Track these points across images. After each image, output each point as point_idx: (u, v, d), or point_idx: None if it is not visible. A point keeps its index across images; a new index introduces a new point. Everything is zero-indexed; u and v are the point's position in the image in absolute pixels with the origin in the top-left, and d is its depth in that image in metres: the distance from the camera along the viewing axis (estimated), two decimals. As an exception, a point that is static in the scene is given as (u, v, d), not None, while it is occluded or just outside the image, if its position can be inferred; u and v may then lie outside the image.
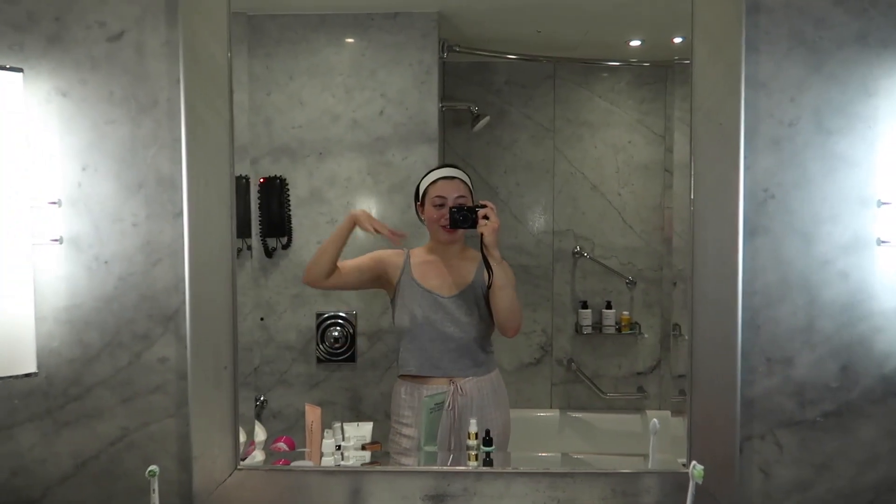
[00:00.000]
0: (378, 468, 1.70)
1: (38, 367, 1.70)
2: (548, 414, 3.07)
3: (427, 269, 1.96)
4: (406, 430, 1.91)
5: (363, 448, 1.76)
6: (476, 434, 1.74)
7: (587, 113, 2.98)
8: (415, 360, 1.92)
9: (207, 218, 1.64)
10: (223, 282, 1.66)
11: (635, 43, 2.79)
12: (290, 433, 2.41)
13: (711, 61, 1.62)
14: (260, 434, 1.87)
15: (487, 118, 2.77)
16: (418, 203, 1.98)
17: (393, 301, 1.97)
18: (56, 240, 1.69)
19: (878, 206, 1.63)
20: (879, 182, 1.63)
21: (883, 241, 1.62)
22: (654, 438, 1.73)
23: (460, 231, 1.92)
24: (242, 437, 1.83)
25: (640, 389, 3.00)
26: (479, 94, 2.98)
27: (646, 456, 1.77)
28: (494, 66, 2.99)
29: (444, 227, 1.91)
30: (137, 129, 1.70)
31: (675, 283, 2.60)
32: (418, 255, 2.00)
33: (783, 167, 1.64)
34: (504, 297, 1.88)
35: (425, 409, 1.80)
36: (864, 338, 1.65)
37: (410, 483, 1.66)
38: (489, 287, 1.84)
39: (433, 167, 2.00)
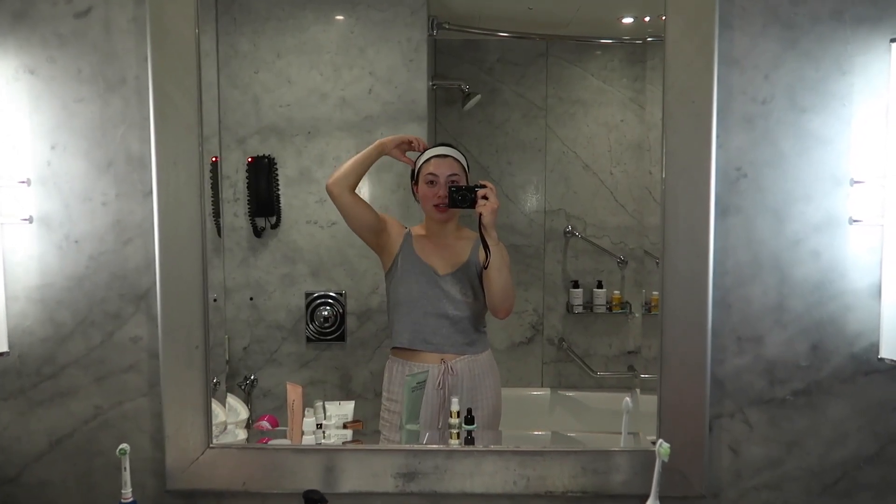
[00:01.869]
0: (349, 447, 1.70)
1: (11, 346, 1.70)
2: (539, 392, 3.06)
3: (425, 245, 1.96)
4: (395, 407, 1.91)
5: (344, 427, 1.76)
6: (458, 413, 1.73)
7: (580, 91, 2.94)
8: (407, 333, 1.92)
9: (177, 197, 1.64)
10: (194, 261, 1.65)
11: (628, 20, 2.75)
12: (279, 412, 2.41)
13: (685, 38, 1.58)
14: (242, 413, 1.87)
15: (479, 96, 2.74)
16: (413, 182, 1.96)
17: (388, 273, 1.97)
18: (26, 219, 1.69)
19: (851, 185, 1.59)
20: (853, 160, 1.59)
21: (855, 220, 1.58)
22: (627, 417, 1.72)
23: (453, 210, 1.90)
24: (223, 417, 1.84)
25: (631, 368, 2.98)
26: (470, 73, 2.94)
27: (635, 435, 1.76)
28: (486, 44, 2.95)
29: (436, 206, 1.90)
30: (106, 108, 1.68)
31: (657, 263, 2.57)
32: (417, 231, 2.00)
33: (756, 145, 1.61)
34: (499, 278, 1.88)
35: (407, 387, 1.79)
36: (834, 317, 1.62)
37: (382, 461, 1.65)
38: (485, 268, 1.81)
39: (429, 146, 2.00)
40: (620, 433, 2.61)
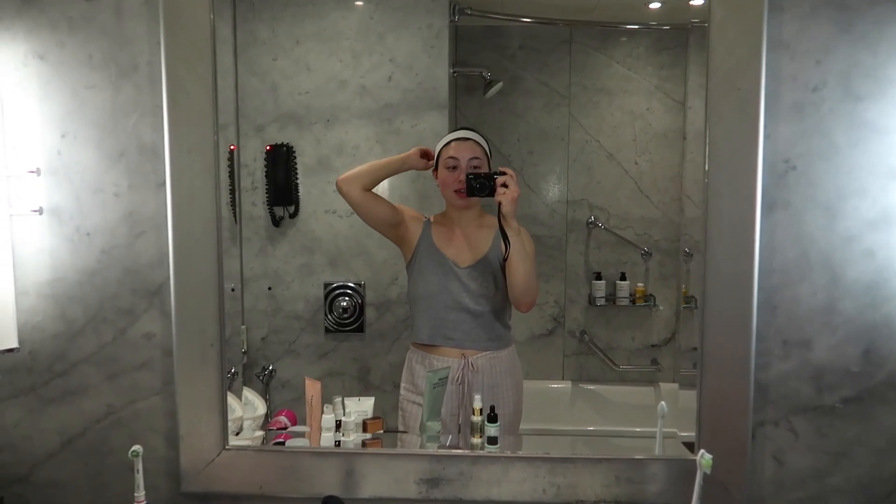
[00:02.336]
0: (371, 450, 1.58)
1: (21, 342, 1.59)
2: (560, 385, 2.93)
3: (444, 236, 1.83)
4: (415, 398, 1.80)
5: (364, 424, 1.63)
6: (480, 410, 1.60)
7: (604, 79, 2.80)
8: (427, 328, 1.80)
9: (191, 188, 1.51)
10: (209, 255, 1.53)
11: (655, 5, 2.61)
12: (297, 403, 2.31)
13: (731, 20, 1.43)
14: (260, 408, 1.75)
15: (500, 84, 2.61)
16: (434, 168, 1.84)
17: (409, 266, 1.85)
18: (36, 211, 1.57)
19: (910, 179, 1.45)
20: (912, 153, 1.45)
21: (914, 217, 1.44)
22: (662, 422, 1.59)
23: (473, 198, 1.77)
24: (240, 412, 1.73)
25: (654, 362, 2.85)
26: (492, 60, 2.81)
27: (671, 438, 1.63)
28: (508, 30, 2.81)
29: (457, 191, 1.76)
30: (118, 95, 1.56)
31: (689, 253, 2.44)
32: (437, 221, 1.87)
33: (806, 136, 1.47)
34: (520, 270, 1.72)
35: (428, 384, 1.66)
36: (889, 320, 1.47)
37: (405, 466, 1.53)
38: (505, 259, 1.67)
39: (445, 133, 1.87)
40: (644, 430, 2.50)
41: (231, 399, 1.64)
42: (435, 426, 1.62)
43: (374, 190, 1.83)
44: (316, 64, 2.15)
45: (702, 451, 1.32)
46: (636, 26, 2.65)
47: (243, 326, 2.23)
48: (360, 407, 1.65)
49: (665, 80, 2.78)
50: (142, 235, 1.59)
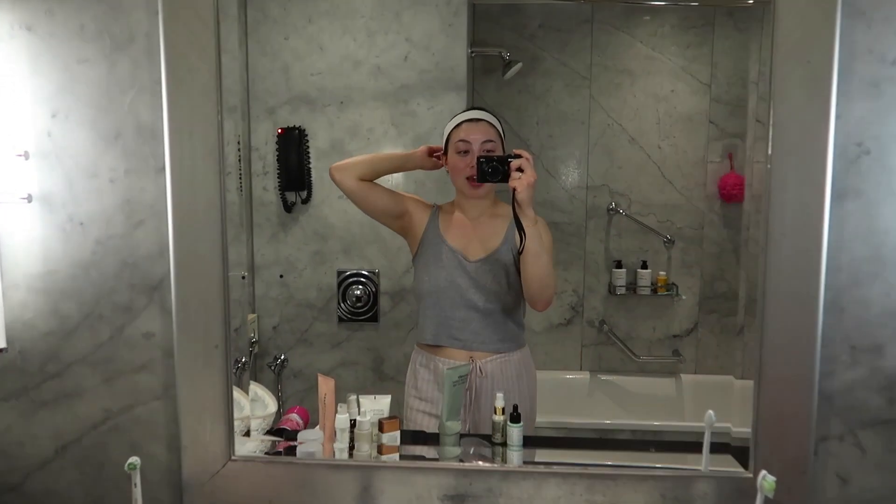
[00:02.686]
0: (391, 463, 1.37)
1: (10, 341, 1.39)
2: (577, 376, 2.74)
3: (453, 226, 1.60)
4: (419, 405, 1.59)
5: (380, 424, 1.42)
6: (503, 409, 1.39)
7: (627, 59, 2.58)
8: (432, 327, 1.57)
9: (193, 174, 1.29)
10: (213, 247, 1.31)
11: (682, -20, 2.39)
12: (309, 393, 2.12)
13: (801, -16, 1.20)
14: (271, 406, 1.55)
15: (520, 65, 2.39)
16: (442, 152, 1.60)
17: (415, 259, 1.63)
18: (25, 198, 1.36)
19: None
20: None
21: None
22: (709, 434, 1.37)
23: (488, 184, 1.53)
24: (247, 410, 1.53)
25: (676, 353, 2.65)
26: (510, 39, 2.59)
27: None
28: (527, 8, 2.59)
29: (469, 178, 1.53)
30: (113, 70, 1.34)
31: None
32: (445, 209, 1.63)
33: (883, 116, 1.23)
34: (537, 264, 1.47)
35: (448, 382, 1.44)
36: (972, 326, 1.26)
37: (427, 481, 1.32)
38: (520, 253, 1.44)
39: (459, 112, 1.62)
40: (666, 422, 2.31)
41: (238, 395, 1.44)
42: (455, 426, 1.41)
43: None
44: (329, 43, 1.97)
45: (763, 472, 1.12)
46: (661, 2, 2.42)
47: (254, 315, 2.05)
48: (376, 405, 1.45)
49: (691, 61, 2.56)
50: (140, 225, 1.37)
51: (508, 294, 1.56)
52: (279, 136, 1.98)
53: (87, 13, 1.33)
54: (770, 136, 1.23)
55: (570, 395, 2.66)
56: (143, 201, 1.36)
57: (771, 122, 1.23)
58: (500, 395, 1.41)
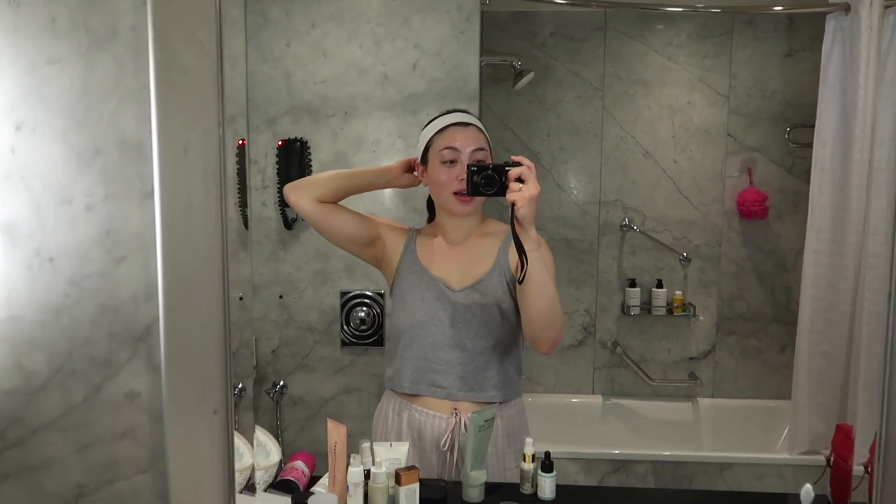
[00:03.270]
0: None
1: (-23, 389, 1.24)
2: (589, 400, 2.63)
3: (434, 250, 1.32)
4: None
5: (397, 475, 1.25)
6: (533, 456, 1.23)
7: (641, 69, 2.48)
8: (409, 372, 1.28)
9: (189, 199, 1.12)
10: (212, 288, 1.14)
11: (700, -13, 2.29)
12: (310, 422, 1.99)
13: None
14: (273, 454, 1.39)
15: (532, 74, 2.28)
16: (419, 163, 1.30)
17: (391, 292, 1.35)
18: (-11, 226, 1.21)
19: None
20: None
21: None
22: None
23: (477, 199, 1.25)
24: (249, 459, 1.38)
25: (693, 376, 2.54)
26: (521, 48, 2.49)
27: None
28: (539, 16, 2.49)
29: (457, 193, 1.23)
30: (91, 73, 1.18)
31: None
32: (425, 233, 1.35)
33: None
34: (541, 296, 1.16)
35: (473, 426, 1.23)
36: None
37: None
38: (521, 281, 1.15)
39: (437, 115, 1.34)
40: (685, 452, 2.18)
41: (239, 441, 1.29)
42: (480, 476, 1.24)
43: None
44: (333, 49, 1.86)
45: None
46: (678, 8, 2.32)
47: (253, 338, 1.93)
48: (393, 454, 1.28)
49: (708, 71, 2.46)
50: (123, 261, 1.20)
51: (502, 329, 1.27)
52: (279, 148, 1.88)
53: (59, 3, 1.18)
54: None
55: (583, 420, 2.54)
56: (126, 232, 1.20)
57: None
58: (529, 441, 1.25)
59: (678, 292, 2.45)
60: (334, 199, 1.29)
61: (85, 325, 1.17)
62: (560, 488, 1.19)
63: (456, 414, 1.24)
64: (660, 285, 2.46)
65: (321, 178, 1.31)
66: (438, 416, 1.25)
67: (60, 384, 1.18)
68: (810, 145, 1.90)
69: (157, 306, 1.10)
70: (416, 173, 1.30)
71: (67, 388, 1.18)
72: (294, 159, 1.90)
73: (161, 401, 1.12)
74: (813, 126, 1.88)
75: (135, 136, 1.15)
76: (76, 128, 1.15)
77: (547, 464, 1.19)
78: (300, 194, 1.28)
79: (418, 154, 1.31)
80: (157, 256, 1.10)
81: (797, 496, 1.06)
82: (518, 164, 1.12)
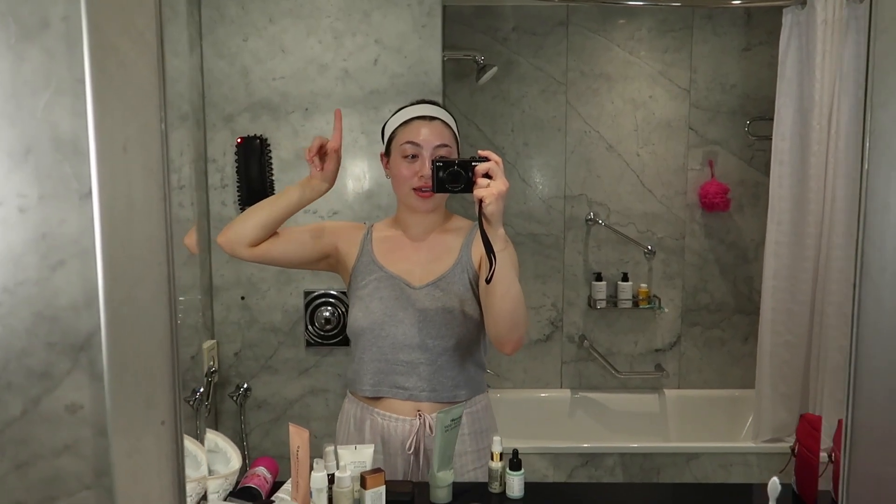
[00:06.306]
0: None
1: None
2: (557, 394, 2.63)
3: (392, 247, 1.28)
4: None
5: (362, 479, 1.22)
6: (500, 455, 1.22)
7: (604, 64, 2.48)
8: (370, 375, 1.23)
9: (130, 199, 1.08)
10: (157, 292, 1.09)
11: (661, -19, 2.29)
12: (275, 425, 1.95)
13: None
14: (234, 460, 1.34)
15: (495, 69, 2.26)
16: (383, 154, 1.26)
17: (348, 293, 1.29)
18: (-74, 229, 1.15)
19: None
20: None
21: None
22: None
23: (438, 196, 1.20)
24: (204, 467, 1.34)
25: (659, 368, 2.55)
26: (484, 43, 2.47)
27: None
28: (501, 11, 2.47)
29: (417, 189, 1.19)
30: (20, 65, 1.12)
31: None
32: (382, 229, 1.30)
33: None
34: (507, 296, 1.12)
35: (440, 425, 1.20)
36: None
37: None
38: (488, 280, 1.10)
39: (403, 105, 1.28)
40: (653, 444, 2.19)
41: (193, 446, 1.23)
42: (447, 477, 1.22)
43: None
44: (292, 45, 1.82)
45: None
46: (640, 2, 2.32)
47: (213, 341, 1.88)
48: (358, 457, 1.25)
49: (669, 66, 2.46)
50: (60, 266, 1.15)
51: (464, 327, 1.22)
52: (238, 145, 1.82)
53: (-6, -5, 1.14)
54: (866, 148, 1.06)
55: (551, 414, 2.54)
56: (63, 236, 1.14)
57: (866, 129, 1.06)
58: (496, 440, 1.23)
59: (643, 285, 2.46)
60: (266, 237, 1.22)
61: (21, 334, 1.10)
62: (529, 486, 1.17)
63: (420, 415, 1.21)
64: (625, 278, 2.46)
65: (245, 222, 1.20)
66: (402, 420, 1.21)
67: (-3, 397, 1.13)
68: (769, 138, 1.91)
69: (99, 313, 1.04)
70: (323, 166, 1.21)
71: (4, 402, 1.12)
72: (253, 157, 1.85)
73: (105, 413, 1.06)
74: (772, 119, 1.89)
75: (70, 133, 1.09)
76: (6, 124, 1.09)
77: (515, 462, 1.17)
78: (233, 247, 1.20)
79: (382, 147, 1.27)
80: (96, 260, 1.03)
81: (762, 486, 1.06)
82: (485, 159, 1.06)
